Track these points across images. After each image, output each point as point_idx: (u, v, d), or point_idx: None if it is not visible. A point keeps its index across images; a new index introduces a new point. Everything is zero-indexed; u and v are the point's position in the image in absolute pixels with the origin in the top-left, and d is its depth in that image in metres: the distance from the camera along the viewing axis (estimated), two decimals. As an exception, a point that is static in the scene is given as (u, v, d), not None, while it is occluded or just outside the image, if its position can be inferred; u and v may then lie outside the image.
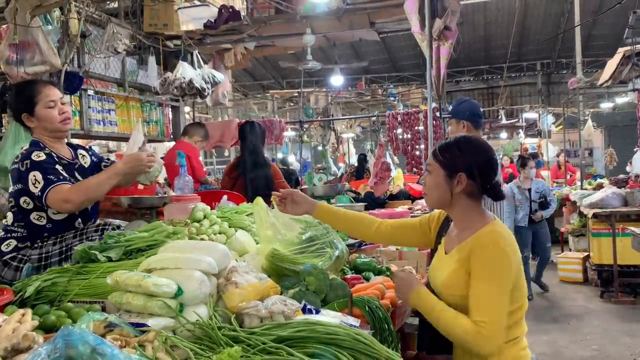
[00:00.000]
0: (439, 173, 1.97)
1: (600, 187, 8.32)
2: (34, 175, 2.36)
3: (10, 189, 2.50)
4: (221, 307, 1.84)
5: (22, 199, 2.46)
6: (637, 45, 6.02)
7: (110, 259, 2.09)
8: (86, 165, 2.68)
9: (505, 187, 7.21)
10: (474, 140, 2.06)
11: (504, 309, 1.83)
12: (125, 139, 5.65)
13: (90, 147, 2.88)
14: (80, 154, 2.70)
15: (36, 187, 2.36)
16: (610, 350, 5.00)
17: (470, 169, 1.93)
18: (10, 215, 2.53)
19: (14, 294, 1.96)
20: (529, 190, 7.09)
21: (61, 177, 2.41)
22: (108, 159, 2.86)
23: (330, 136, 14.41)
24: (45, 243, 2.45)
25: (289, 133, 14.95)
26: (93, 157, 2.76)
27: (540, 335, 5.53)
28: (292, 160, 14.39)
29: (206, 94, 4.31)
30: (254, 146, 4.17)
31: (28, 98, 2.49)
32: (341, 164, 15.64)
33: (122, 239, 2.18)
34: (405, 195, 7.30)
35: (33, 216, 2.48)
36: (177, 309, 1.69)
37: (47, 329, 1.64)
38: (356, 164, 11.21)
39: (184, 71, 4.21)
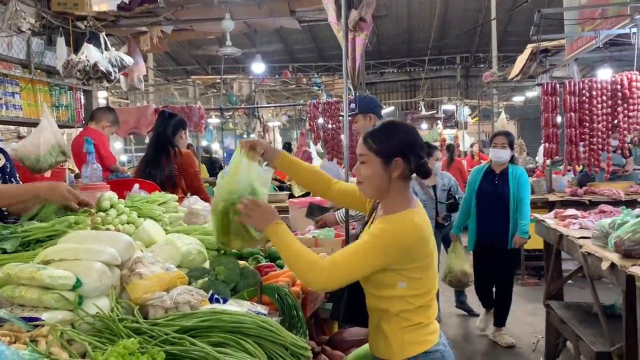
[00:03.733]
0: (375, 161, 1.98)
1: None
2: None
3: None
4: (125, 299, 1.80)
5: None
6: (542, 43, 6.40)
7: (4, 251, 1.97)
8: None
9: None
10: (399, 124, 2.09)
11: (357, 272, 1.91)
12: (32, 124, 5.33)
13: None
14: None
15: None
16: (515, 330, 5.33)
17: (405, 152, 1.97)
18: None
19: None
20: (434, 187, 5.40)
21: None
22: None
23: (255, 124, 14.31)
24: None
25: (214, 120, 14.68)
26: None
27: (450, 317, 5.80)
28: (217, 148, 14.16)
29: (113, 77, 4.12)
30: (158, 137, 3.99)
31: None
32: (267, 153, 15.55)
33: (18, 229, 2.06)
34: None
35: None
36: (76, 302, 1.63)
37: None
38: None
39: (89, 53, 4.00)
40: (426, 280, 2.01)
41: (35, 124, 5.10)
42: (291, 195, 5.83)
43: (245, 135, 14.51)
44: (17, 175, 2.67)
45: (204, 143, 13.19)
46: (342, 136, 6.75)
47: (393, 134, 2.00)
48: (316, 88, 12.79)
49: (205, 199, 3.46)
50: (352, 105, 3.57)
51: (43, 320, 1.53)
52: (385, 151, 1.97)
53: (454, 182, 5.73)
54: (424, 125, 18.04)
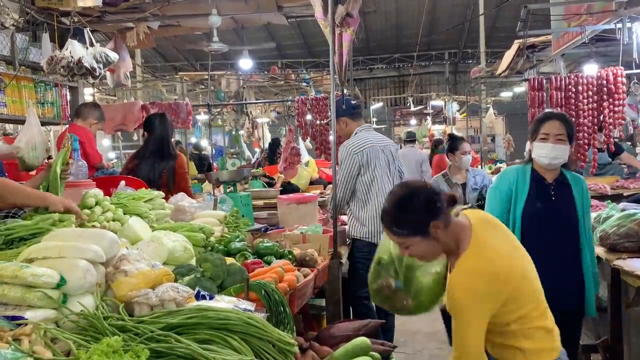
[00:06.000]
0: (415, 241, 1.91)
1: (498, 171, 8.88)
2: None
3: None
4: (110, 297, 1.78)
5: None
6: (528, 39, 6.42)
7: (-13, 250, 1.95)
8: None
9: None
10: (405, 192, 1.97)
11: (470, 341, 1.87)
12: (16, 121, 5.28)
13: None
14: None
15: None
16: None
17: (433, 213, 1.89)
18: None
19: None
20: (464, 186, 4.72)
21: None
22: None
23: (244, 121, 14.23)
24: None
25: (202, 117, 14.58)
26: None
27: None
28: (206, 145, 14.05)
29: (97, 74, 4.08)
30: (163, 138, 4.04)
31: None
32: (256, 149, 15.52)
33: (1, 227, 2.04)
34: (324, 182, 7.46)
35: None
36: (60, 300, 1.62)
37: None
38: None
39: (73, 49, 3.95)
40: (521, 300, 1.92)
41: (20, 121, 5.06)
42: (282, 192, 5.82)
43: (233, 132, 14.42)
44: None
45: (192, 140, 13.12)
46: (330, 132, 6.78)
47: (410, 209, 1.90)
48: (305, 84, 12.76)
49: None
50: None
51: (26, 319, 1.51)
52: (417, 228, 1.89)
53: (489, 180, 4.74)
54: (413, 121, 18.12)
